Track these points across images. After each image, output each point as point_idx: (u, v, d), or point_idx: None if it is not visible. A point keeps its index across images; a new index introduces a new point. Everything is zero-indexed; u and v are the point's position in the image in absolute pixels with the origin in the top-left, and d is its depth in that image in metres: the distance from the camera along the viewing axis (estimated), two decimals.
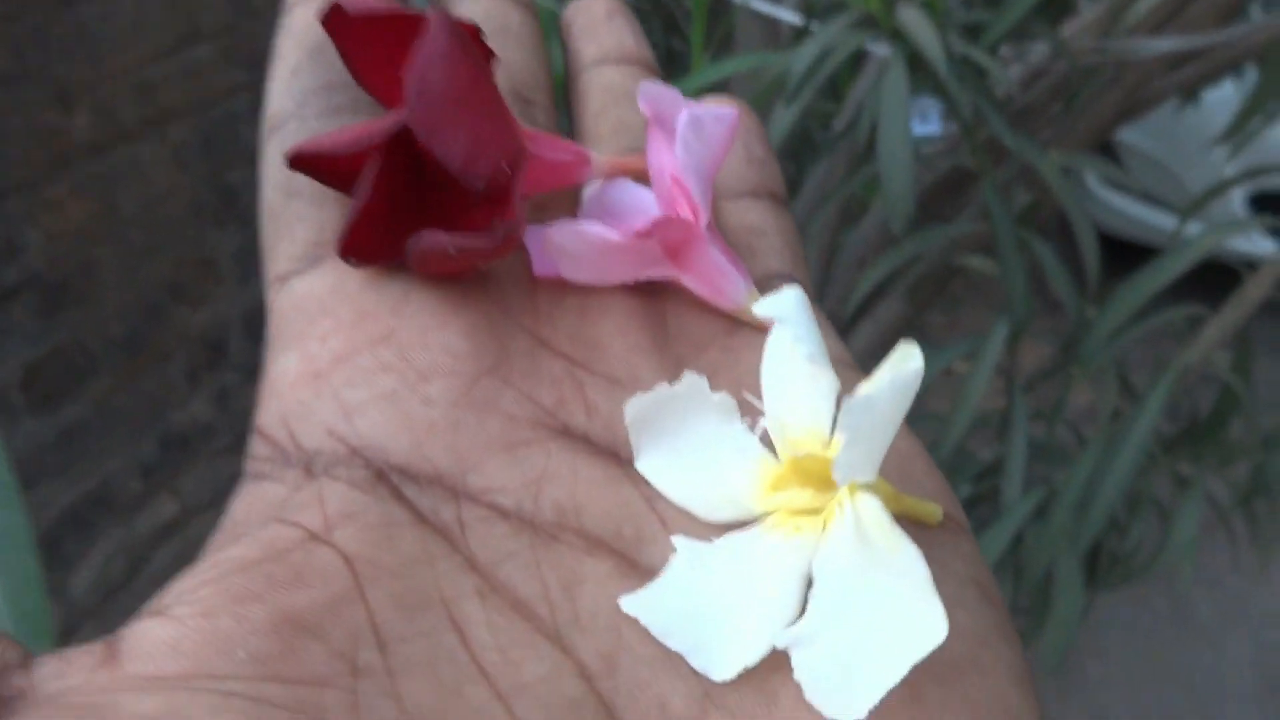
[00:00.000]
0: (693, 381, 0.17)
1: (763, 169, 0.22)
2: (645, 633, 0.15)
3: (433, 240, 0.17)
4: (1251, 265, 0.68)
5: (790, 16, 0.83)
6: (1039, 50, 0.77)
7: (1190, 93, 0.92)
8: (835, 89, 0.86)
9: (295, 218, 0.19)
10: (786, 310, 0.16)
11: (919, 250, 0.67)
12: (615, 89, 0.23)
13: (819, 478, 0.16)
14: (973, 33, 0.63)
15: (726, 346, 0.19)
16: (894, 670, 0.13)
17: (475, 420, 0.16)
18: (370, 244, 0.18)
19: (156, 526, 1.19)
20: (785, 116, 0.61)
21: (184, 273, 1.19)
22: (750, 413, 0.17)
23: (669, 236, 0.19)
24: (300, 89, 0.20)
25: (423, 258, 0.17)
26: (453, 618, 0.14)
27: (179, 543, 1.21)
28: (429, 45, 0.17)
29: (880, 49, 0.70)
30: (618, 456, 0.17)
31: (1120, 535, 0.71)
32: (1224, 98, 1.18)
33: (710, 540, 0.16)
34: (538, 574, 0.15)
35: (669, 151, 0.20)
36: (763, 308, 0.16)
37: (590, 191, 0.21)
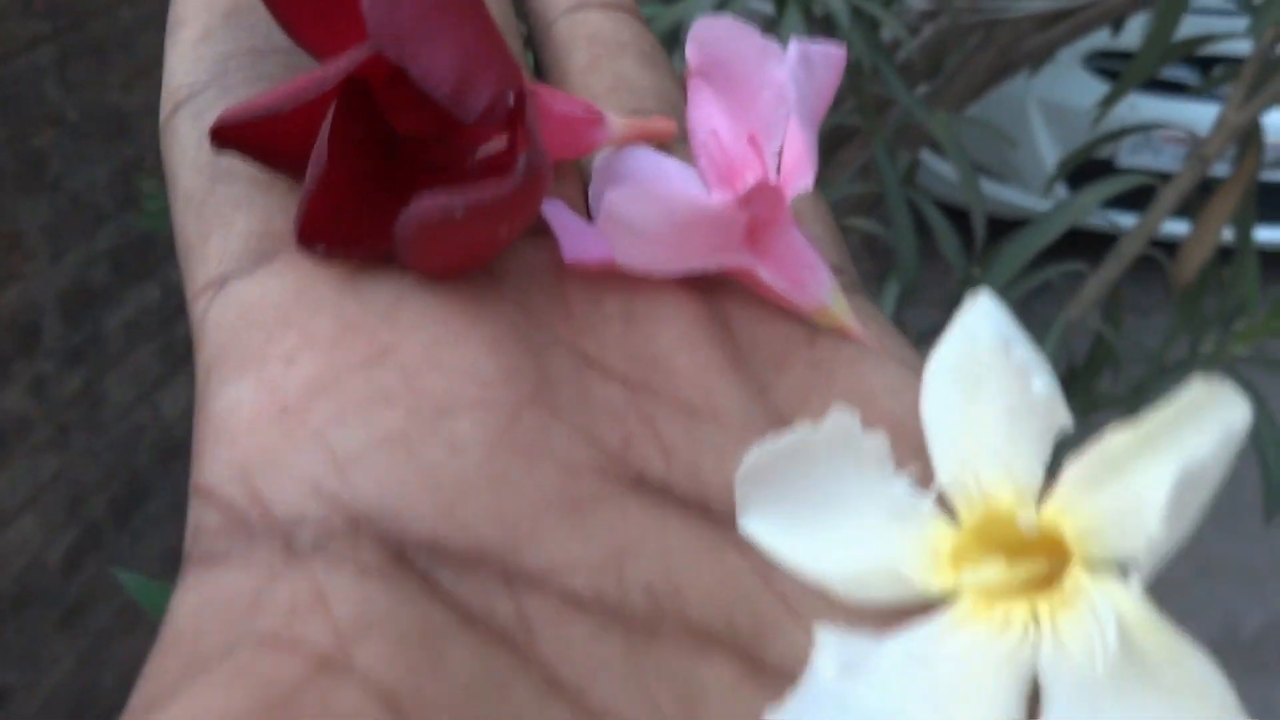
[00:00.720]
0: (842, 422, 0.13)
1: None
2: None
3: (433, 206, 0.12)
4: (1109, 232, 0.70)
5: None
6: (912, 10, 0.77)
7: (1040, 59, 0.95)
8: None
9: (230, 205, 0.14)
10: (993, 326, 0.12)
11: None
12: (606, 38, 0.18)
13: (1015, 544, 0.12)
14: None
15: (812, 360, 0.15)
16: None
17: (523, 471, 0.12)
18: (341, 225, 0.13)
19: None
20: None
21: None
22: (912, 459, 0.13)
23: (762, 210, 0.15)
24: (216, 55, 0.15)
25: (422, 235, 0.13)
26: None
27: None
28: None
29: (764, 2, 0.68)
30: (709, 511, 0.13)
31: None
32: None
33: (860, 630, 0.12)
34: (643, 691, 0.11)
35: (723, 110, 0.16)
36: (963, 325, 0.13)
37: (600, 161, 0.17)
